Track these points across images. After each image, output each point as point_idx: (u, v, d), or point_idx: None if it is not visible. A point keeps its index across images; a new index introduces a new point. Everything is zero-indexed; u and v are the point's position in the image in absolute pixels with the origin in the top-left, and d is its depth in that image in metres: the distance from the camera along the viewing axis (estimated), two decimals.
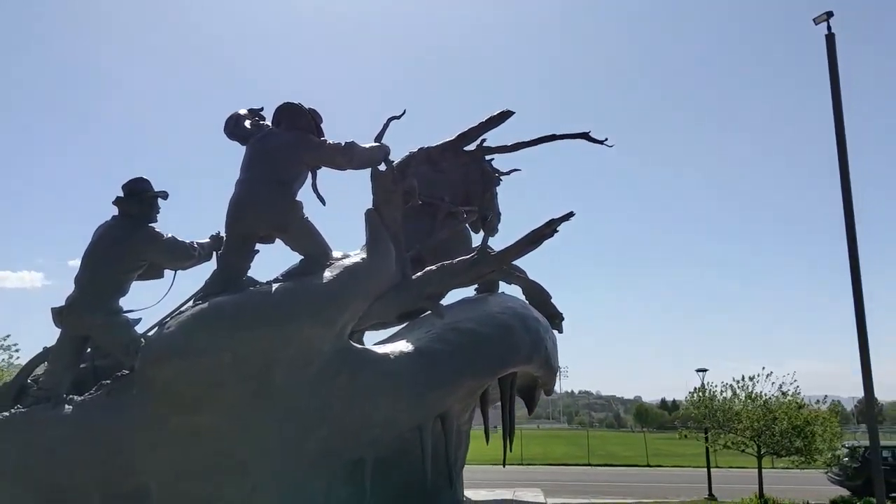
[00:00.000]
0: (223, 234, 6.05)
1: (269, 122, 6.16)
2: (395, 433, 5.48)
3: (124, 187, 5.74)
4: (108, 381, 5.57)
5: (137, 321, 5.72)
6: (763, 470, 19.39)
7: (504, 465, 6.72)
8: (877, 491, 13.85)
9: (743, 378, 19.10)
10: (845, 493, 19.64)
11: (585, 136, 6.49)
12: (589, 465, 35.54)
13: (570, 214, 5.69)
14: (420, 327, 6.06)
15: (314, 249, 5.62)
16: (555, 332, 6.46)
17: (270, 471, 4.88)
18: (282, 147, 5.64)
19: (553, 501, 6.12)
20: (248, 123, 6.07)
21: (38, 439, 5.08)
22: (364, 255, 5.62)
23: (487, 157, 6.71)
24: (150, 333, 5.37)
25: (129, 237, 5.59)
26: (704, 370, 23.42)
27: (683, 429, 23.06)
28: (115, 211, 5.75)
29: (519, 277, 6.51)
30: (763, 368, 19.28)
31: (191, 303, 6.06)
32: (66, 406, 5.28)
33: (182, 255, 5.77)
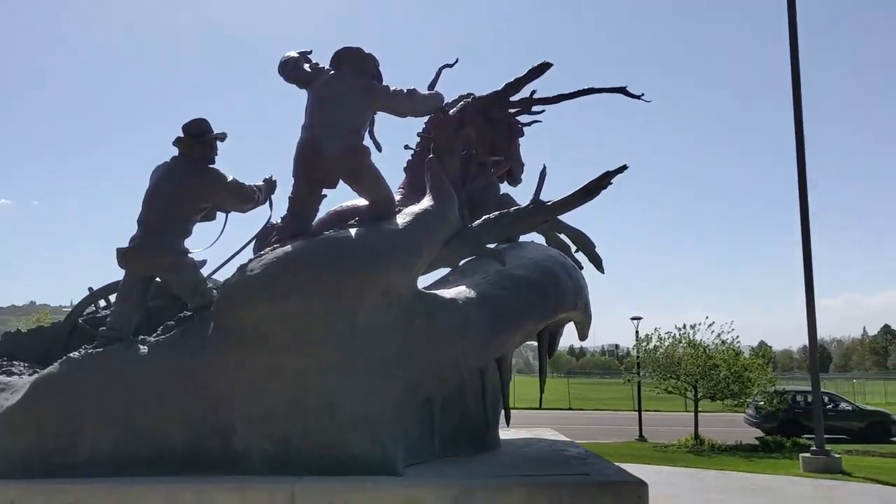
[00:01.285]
0: (275, 178, 6.06)
1: (326, 65, 6.11)
2: (461, 374, 5.69)
3: (185, 128, 5.65)
4: (175, 323, 5.58)
5: (203, 262, 5.70)
6: (697, 413, 20.58)
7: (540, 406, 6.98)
8: (816, 431, 15.03)
9: (685, 326, 20.07)
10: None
11: (623, 90, 6.73)
12: (514, 408, 36.63)
13: (624, 167, 5.92)
14: (472, 273, 6.22)
15: (382, 195, 5.69)
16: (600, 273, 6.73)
17: (357, 411, 5.01)
18: (352, 92, 5.65)
19: None
20: (307, 67, 6.02)
21: (117, 378, 5.07)
22: (430, 203, 5.73)
23: (534, 109, 6.87)
24: (226, 277, 5.37)
25: (195, 178, 5.54)
26: (639, 318, 24.48)
27: (627, 374, 24.07)
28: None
29: (567, 226, 6.74)
30: (706, 318, 20.36)
31: (251, 247, 6.09)
32: (141, 346, 5.27)
33: (244, 197, 5.75)
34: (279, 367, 5.00)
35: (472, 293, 5.79)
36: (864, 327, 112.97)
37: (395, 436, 5.15)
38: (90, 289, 6.33)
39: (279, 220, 6.20)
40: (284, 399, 5.00)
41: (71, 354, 5.23)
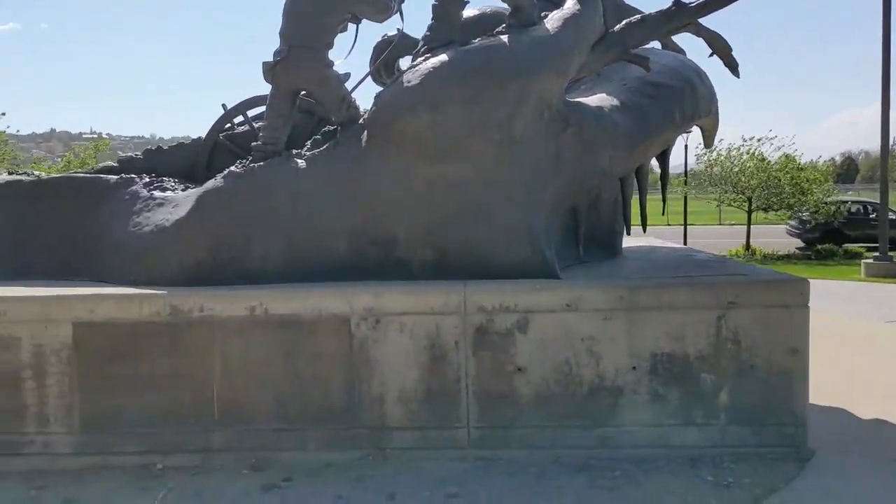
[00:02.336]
0: None
1: None
2: (605, 183, 5.76)
3: None
4: (322, 137, 5.62)
5: (347, 76, 5.65)
6: (750, 225, 20.82)
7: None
8: (881, 237, 15.20)
9: (752, 138, 19.89)
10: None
11: None
12: None
13: None
14: (608, 80, 6.13)
15: (525, 0, 5.51)
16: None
17: (515, 219, 5.12)
18: None
19: None
20: None
21: (280, 190, 5.18)
22: (576, 7, 5.54)
23: None
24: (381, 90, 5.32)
25: None
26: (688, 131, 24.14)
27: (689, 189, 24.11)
28: None
29: (705, 29, 6.51)
30: (769, 130, 20.20)
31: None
32: (298, 160, 5.34)
33: (383, 6, 5.59)
34: (440, 177, 5.07)
35: (614, 100, 5.74)
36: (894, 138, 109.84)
37: (549, 242, 5.29)
38: (224, 105, 6.33)
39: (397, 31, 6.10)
40: (445, 209, 5.11)
41: (232, 169, 5.33)
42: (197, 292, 4.91)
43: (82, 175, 6.05)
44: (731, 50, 6.29)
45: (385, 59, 6.76)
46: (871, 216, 22.91)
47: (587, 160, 5.45)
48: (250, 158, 5.40)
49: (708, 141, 6.91)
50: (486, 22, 5.94)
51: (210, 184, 5.30)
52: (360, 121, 5.50)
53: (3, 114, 20.70)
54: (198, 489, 4.55)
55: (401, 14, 5.90)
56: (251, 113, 6.31)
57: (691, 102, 6.03)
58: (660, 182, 7.01)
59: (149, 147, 6.34)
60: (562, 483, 4.51)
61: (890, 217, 24.54)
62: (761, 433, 4.83)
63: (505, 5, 5.61)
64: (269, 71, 5.43)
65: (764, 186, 19.34)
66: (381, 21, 5.73)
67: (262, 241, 5.17)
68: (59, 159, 25.78)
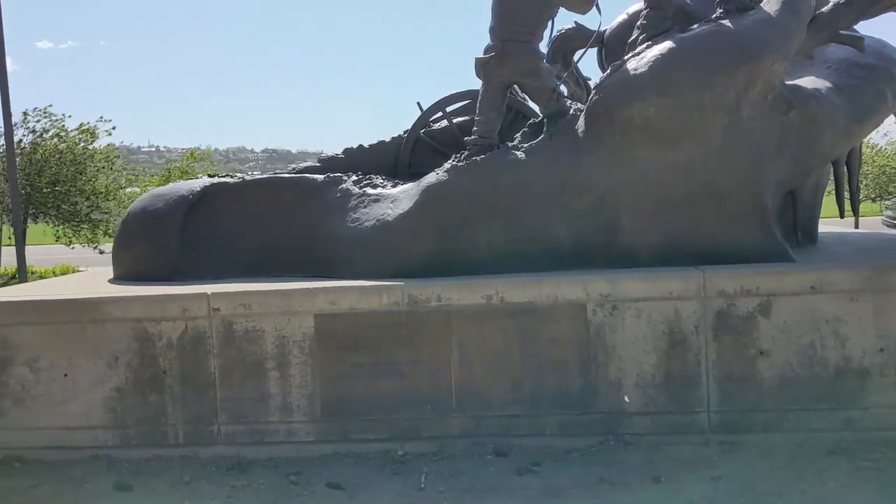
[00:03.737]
0: None
1: None
2: (824, 165, 5.68)
3: None
4: (530, 129, 5.69)
5: (554, 68, 5.71)
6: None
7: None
8: None
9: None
10: None
11: None
12: None
13: None
14: (812, 63, 6.04)
15: None
16: None
17: (746, 202, 5.09)
18: None
19: None
20: None
21: (502, 182, 5.26)
22: None
23: None
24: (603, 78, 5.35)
25: None
26: None
27: None
28: None
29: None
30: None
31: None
32: (516, 152, 5.41)
33: None
34: (668, 161, 5.08)
35: (826, 83, 5.66)
36: None
37: (777, 224, 5.23)
38: (418, 104, 6.48)
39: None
40: (673, 192, 5.11)
41: (454, 162, 5.42)
42: (434, 282, 5.01)
43: (287, 175, 6.24)
44: None
45: (563, 52, 6.82)
46: None
47: (810, 142, 5.39)
48: (467, 152, 5.49)
49: None
50: (701, 7, 5.92)
51: (432, 178, 5.41)
52: (572, 111, 5.56)
53: (114, 127, 21.02)
54: (453, 472, 4.61)
55: (598, 7, 5.93)
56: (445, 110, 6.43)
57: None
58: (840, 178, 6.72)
59: (349, 146, 6.50)
60: (822, 466, 4.43)
61: None
62: None
63: None
64: (483, 66, 5.52)
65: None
66: (583, 13, 5.80)
67: (487, 232, 5.26)
68: (155, 174, 26.52)
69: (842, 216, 6.49)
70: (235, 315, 5.07)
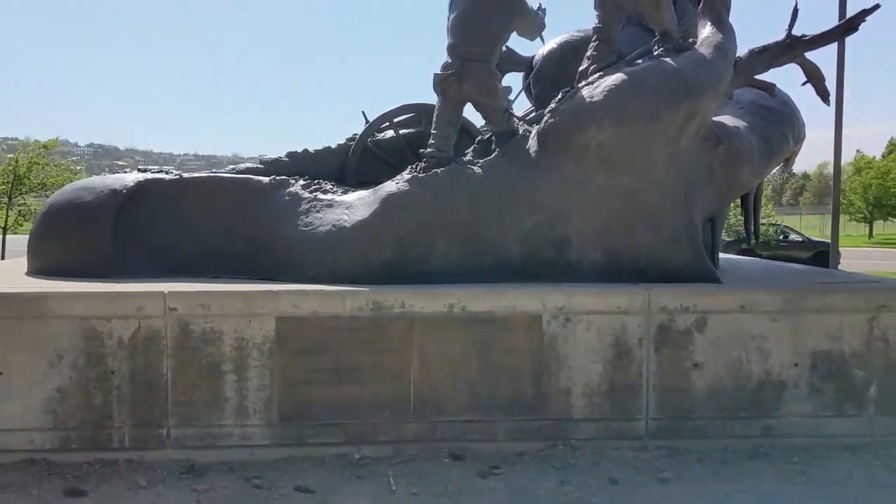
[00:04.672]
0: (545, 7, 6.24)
1: None
2: (739, 196, 6.29)
3: None
4: (478, 145, 5.94)
5: (508, 89, 5.99)
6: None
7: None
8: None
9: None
10: None
11: None
12: None
13: (877, 7, 6.32)
14: (724, 105, 6.65)
15: (672, 26, 5.98)
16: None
17: (680, 226, 5.56)
18: None
19: None
20: None
21: (460, 195, 5.46)
22: (719, 35, 6.05)
23: None
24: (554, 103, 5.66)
25: (508, 4, 5.73)
26: None
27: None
28: None
29: (805, 59, 7.13)
30: None
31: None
32: (472, 167, 5.63)
33: (538, 26, 5.98)
34: (617, 186, 5.46)
35: (742, 122, 6.28)
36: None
37: (703, 247, 5.75)
38: (363, 112, 6.55)
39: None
40: (618, 215, 5.50)
41: (414, 174, 5.56)
42: (398, 289, 5.13)
43: (229, 176, 6.14)
44: (824, 80, 6.94)
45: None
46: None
47: (732, 175, 5.96)
48: (424, 164, 5.64)
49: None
50: (579, 48, 6.42)
51: (392, 186, 5.52)
52: (521, 131, 5.86)
53: None
54: (416, 475, 4.75)
55: (542, 38, 6.29)
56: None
57: (798, 126, 6.65)
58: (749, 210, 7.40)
59: (293, 150, 6.47)
60: (750, 469, 4.93)
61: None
62: None
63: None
64: (442, 82, 5.70)
65: None
66: (532, 39, 6.13)
67: (444, 243, 5.44)
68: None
69: (749, 243, 7.18)
70: (193, 315, 4.96)
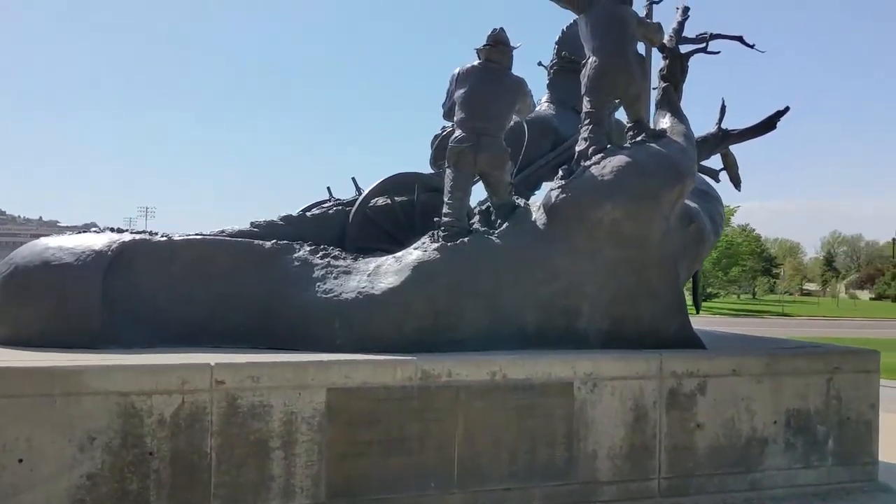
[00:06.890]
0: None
1: None
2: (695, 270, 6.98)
3: (497, 38, 6.06)
4: (483, 217, 6.16)
5: (512, 164, 6.25)
6: None
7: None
8: None
9: None
10: None
11: (739, 39, 8.09)
12: None
13: (786, 109, 7.43)
14: None
15: (645, 115, 6.61)
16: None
17: (673, 297, 6.08)
18: (628, 19, 6.40)
19: None
20: None
21: (483, 264, 5.60)
22: (683, 125, 6.77)
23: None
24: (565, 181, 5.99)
25: (514, 86, 6.06)
26: None
27: None
28: None
29: (728, 149, 8.04)
30: None
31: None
32: (490, 237, 5.79)
33: (532, 109, 6.36)
34: (625, 259, 5.86)
35: (692, 203, 7.00)
36: None
37: None
38: (353, 179, 6.49)
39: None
40: (625, 286, 5.90)
41: (440, 242, 5.60)
42: (445, 358, 5.13)
43: (225, 239, 5.77)
44: (738, 168, 7.94)
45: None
46: None
47: (697, 251, 6.62)
48: (443, 233, 5.70)
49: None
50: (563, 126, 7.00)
51: (419, 254, 5.52)
52: (521, 203, 6.14)
53: None
54: None
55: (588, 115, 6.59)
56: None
57: (722, 209, 7.54)
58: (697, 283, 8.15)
59: (288, 214, 6.19)
60: None
61: None
62: (852, 471, 6.20)
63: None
64: (458, 155, 5.84)
65: None
66: (523, 119, 6.48)
67: (471, 313, 5.52)
68: None
69: (697, 311, 7.88)
70: (241, 389, 4.62)
